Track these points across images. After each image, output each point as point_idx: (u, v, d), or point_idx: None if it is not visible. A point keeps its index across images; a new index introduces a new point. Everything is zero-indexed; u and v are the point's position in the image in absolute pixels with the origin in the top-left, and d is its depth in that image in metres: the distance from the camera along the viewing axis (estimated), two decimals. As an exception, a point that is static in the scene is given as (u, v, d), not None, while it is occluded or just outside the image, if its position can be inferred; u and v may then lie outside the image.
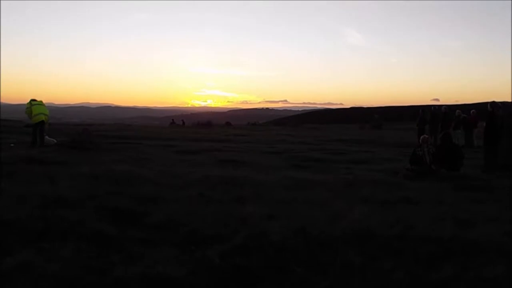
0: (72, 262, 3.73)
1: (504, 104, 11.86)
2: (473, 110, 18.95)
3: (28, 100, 14.36)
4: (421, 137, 10.64)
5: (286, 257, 3.97)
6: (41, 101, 14.43)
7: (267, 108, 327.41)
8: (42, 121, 14.04)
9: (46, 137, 14.44)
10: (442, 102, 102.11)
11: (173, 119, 41.94)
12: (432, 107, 19.99)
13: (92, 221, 4.86)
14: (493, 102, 10.78)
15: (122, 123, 45.71)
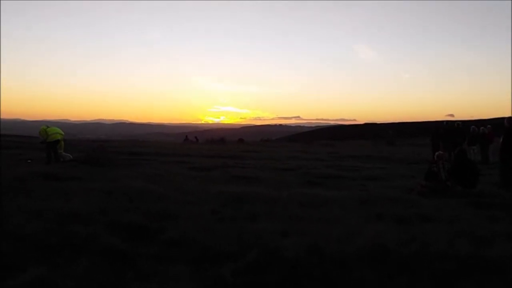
0: (86, 278, 3.74)
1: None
2: (489, 126, 18.72)
3: (42, 126, 15.06)
4: (436, 153, 10.52)
5: (300, 274, 3.92)
6: (54, 127, 15.06)
7: (280, 125, 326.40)
8: (58, 140, 14.48)
9: (62, 152, 14.78)
10: (457, 117, 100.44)
11: (186, 136, 42.04)
12: (445, 122, 19.78)
13: (106, 236, 4.88)
14: (510, 118, 10.62)
15: (136, 139, 46.11)
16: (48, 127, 14.78)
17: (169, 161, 16.20)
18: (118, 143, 30.14)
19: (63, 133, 15.03)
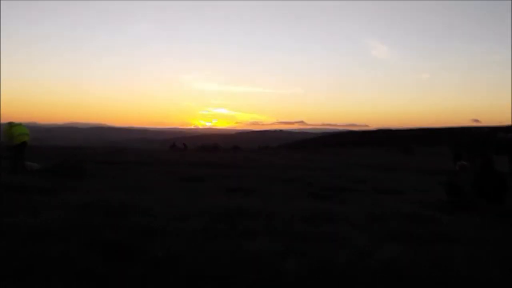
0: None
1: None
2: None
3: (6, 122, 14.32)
4: (459, 163, 10.56)
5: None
6: (20, 123, 14.36)
7: (280, 130, 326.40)
8: (25, 142, 14.01)
9: (27, 162, 14.41)
10: (483, 123, 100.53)
11: (174, 142, 42.23)
12: (470, 129, 19.89)
13: (81, 257, 4.86)
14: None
15: (116, 146, 46.07)
16: (12, 125, 13.94)
17: (155, 171, 16.31)
18: (94, 150, 30.10)
19: (29, 133, 14.31)
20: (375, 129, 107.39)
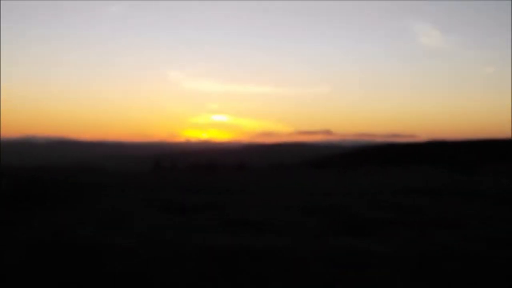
0: None
1: None
2: None
3: None
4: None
5: None
6: None
7: (301, 143, 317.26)
8: None
9: None
10: None
11: (158, 160, 42.31)
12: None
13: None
14: None
15: (83, 165, 46.16)
16: None
17: (134, 198, 16.29)
18: (56, 170, 30.21)
19: None
20: (424, 141, 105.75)
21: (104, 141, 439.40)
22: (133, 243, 8.29)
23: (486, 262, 7.69)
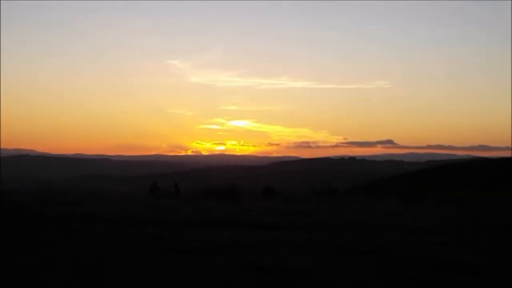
0: None
1: None
2: None
3: None
4: None
5: None
6: None
7: (352, 158, 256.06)
8: None
9: None
10: None
11: (155, 182, 39.02)
12: None
13: None
14: None
15: (53, 187, 44.15)
16: None
17: (124, 233, 15.18)
18: (16, 195, 28.86)
19: None
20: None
21: (81, 155, 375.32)
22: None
23: None
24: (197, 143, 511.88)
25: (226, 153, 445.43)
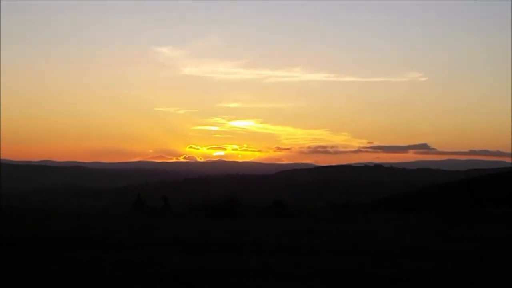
0: None
1: None
2: None
3: None
4: None
5: None
6: None
7: (376, 166, 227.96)
8: None
9: None
10: None
11: (139, 195, 34.64)
12: None
13: None
14: None
15: (16, 203, 39.51)
16: None
17: (104, 260, 13.86)
18: None
19: None
20: None
21: (49, 161, 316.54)
22: None
23: None
24: (190, 147, 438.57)
25: (226, 159, 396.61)
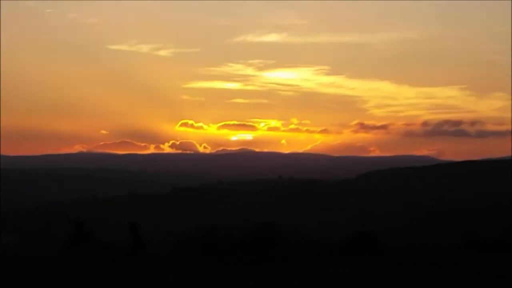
0: None
1: None
2: None
3: None
4: None
5: None
6: None
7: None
8: None
9: None
10: None
11: (77, 222, 30.80)
12: None
13: None
14: None
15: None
16: None
17: None
18: None
19: None
20: None
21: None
22: None
23: None
24: (184, 124, 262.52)
25: (256, 148, 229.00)
